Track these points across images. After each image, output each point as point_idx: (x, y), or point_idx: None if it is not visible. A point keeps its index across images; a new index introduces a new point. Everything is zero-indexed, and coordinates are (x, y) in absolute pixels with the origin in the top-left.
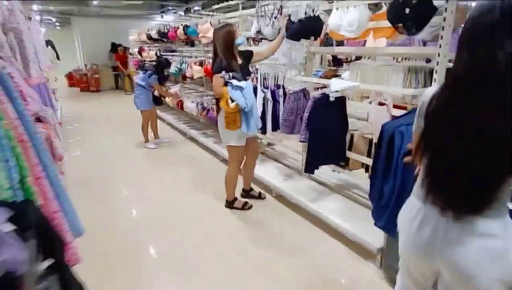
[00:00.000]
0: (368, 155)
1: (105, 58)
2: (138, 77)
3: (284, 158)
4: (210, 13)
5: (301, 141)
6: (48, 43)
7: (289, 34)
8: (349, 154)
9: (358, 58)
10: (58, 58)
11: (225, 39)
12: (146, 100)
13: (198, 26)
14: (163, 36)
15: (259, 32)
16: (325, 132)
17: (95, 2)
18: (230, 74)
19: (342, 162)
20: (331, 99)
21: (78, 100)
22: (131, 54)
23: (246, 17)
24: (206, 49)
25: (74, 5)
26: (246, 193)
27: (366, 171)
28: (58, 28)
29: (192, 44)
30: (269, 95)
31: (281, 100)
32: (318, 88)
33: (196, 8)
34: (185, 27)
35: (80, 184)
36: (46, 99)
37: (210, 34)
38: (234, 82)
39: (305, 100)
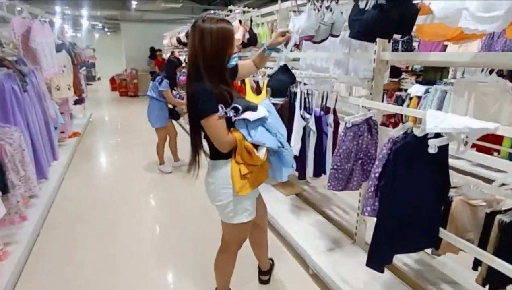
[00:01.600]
0: (481, 240)
1: (145, 63)
2: (149, 88)
3: (329, 206)
4: (240, 8)
5: (364, 214)
6: (62, 46)
7: (358, 30)
8: (442, 232)
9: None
10: (73, 63)
11: (218, 43)
12: (160, 115)
13: None
14: None
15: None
16: (410, 202)
17: (134, 6)
18: (235, 105)
19: (431, 247)
20: (431, 150)
21: (113, 106)
22: (163, 59)
23: (287, 12)
24: (238, 54)
25: (118, 9)
26: (266, 273)
27: (475, 267)
28: (108, 34)
29: None
30: (312, 124)
31: (329, 131)
32: (388, 118)
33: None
34: None
35: (65, 218)
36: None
37: (239, 35)
38: (248, 115)
39: (370, 136)
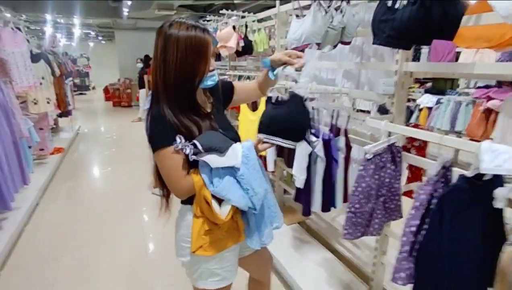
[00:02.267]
0: None
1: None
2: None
3: (338, 239)
4: (234, 12)
5: (397, 282)
6: (40, 56)
7: (389, 34)
8: None
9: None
10: (53, 74)
11: (185, 57)
12: None
13: (217, 32)
14: None
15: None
16: (458, 263)
17: (126, 13)
18: (194, 141)
19: None
20: (500, 204)
21: (104, 116)
22: None
23: (287, 16)
24: (233, 64)
25: (110, 17)
26: None
27: None
28: (103, 42)
29: (219, 57)
30: (320, 149)
31: (340, 157)
32: (411, 140)
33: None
34: None
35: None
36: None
37: (233, 43)
38: (210, 159)
39: (394, 167)
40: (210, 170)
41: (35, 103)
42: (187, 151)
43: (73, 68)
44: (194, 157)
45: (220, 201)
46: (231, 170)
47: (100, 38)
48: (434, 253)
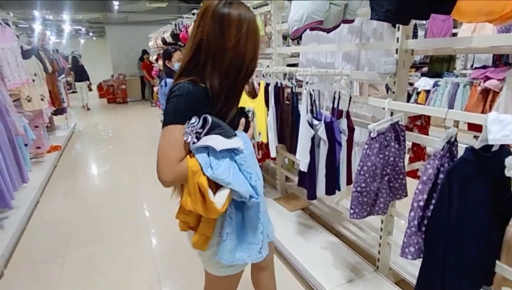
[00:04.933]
0: None
1: (133, 67)
2: (159, 93)
3: (342, 223)
4: None
5: (407, 257)
6: (31, 52)
7: (388, 9)
8: (498, 266)
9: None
10: (46, 70)
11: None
12: None
13: None
14: (178, 38)
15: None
16: (466, 235)
17: (116, 7)
18: (205, 116)
19: (486, 285)
20: (509, 172)
21: (100, 113)
22: (150, 62)
23: (282, 2)
24: None
25: (100, 12)
26: None
27: None
28: (94, 38)
29: None
30: (322, 132)
31: (343, 139)
32: (413, 120)
33: None
34: None
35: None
36: None
37: None
38: (214, 140)
39: (398, 146)
40: (208, 153)
41: (29, 101)
42: (194, 127)
43: (65, 64)
44: (199, 130)
45: (215, 189)
46: (230, 154)
47: (91, 34)
48: (443, 224)
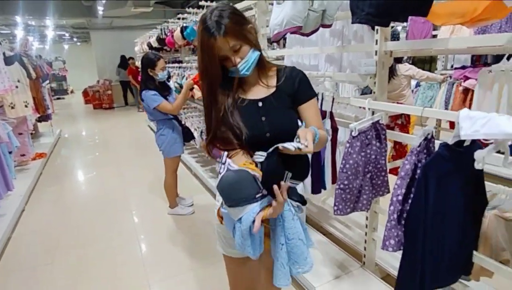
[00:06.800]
0: None
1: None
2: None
3: (329, 221)
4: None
5: (388, 249)
6: (14, 58)
7: (368, 12)
8: (475, 256)
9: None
10: (29, 77)
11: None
12: (173, 140)
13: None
14: (164, 43)
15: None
16: (443, 227)
17: (101, 12)
18: (221, 192)
19: (465, 274)
20: (479, 165)
21: (85, 120)
22: (136, 67)
23: (266, 5)
24: None
25: (84, 17)
26: None
27: None
28: (78, 44)
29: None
30: None
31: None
32: (394, 119)
33: None
34: (183, 28)
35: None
36: None
37: None
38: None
39: (379, 144)
40: None
41: (12, 107)
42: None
43: (49, 70)
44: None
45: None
46: None
47: (75, 39)
48: (421, 217)
